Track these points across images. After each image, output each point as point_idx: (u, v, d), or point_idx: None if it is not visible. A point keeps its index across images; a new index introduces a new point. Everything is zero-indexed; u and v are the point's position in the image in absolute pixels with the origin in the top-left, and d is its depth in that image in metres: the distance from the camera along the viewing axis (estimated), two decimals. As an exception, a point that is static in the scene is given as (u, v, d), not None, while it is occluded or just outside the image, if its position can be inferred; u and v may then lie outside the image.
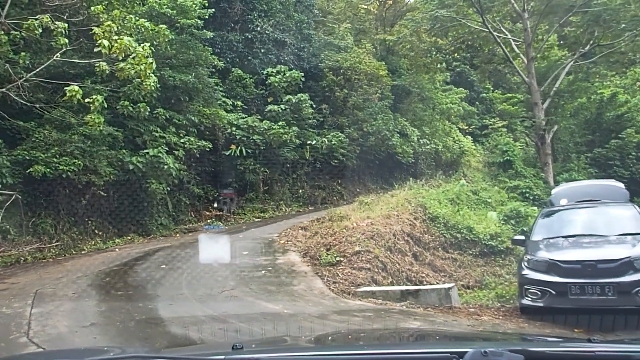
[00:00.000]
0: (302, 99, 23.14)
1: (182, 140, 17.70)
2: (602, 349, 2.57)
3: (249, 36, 24.64)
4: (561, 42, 33.32)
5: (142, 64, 12.95)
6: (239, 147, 20.44)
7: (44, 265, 11.33)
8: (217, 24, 23.96)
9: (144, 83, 13.19)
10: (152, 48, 13.38)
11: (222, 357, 2.57)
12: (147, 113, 16.35)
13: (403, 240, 11.01)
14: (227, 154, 20.34)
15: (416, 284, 9.87)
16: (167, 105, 18.00)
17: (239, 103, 22.59)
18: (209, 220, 18.78)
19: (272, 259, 11.31)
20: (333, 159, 24.45)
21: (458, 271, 12.67)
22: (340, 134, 24.41)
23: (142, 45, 12.87)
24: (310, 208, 22.57)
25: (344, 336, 4.35)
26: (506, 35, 28.32)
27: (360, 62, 27.14)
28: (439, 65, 34.90)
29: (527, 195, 24.91)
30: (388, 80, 29.16)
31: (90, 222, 14.44)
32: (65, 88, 11.70)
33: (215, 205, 15.11)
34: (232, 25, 24.69)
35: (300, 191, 23.42)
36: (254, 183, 21.41)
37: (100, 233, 14.52)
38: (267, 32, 25.03)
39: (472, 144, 40.13)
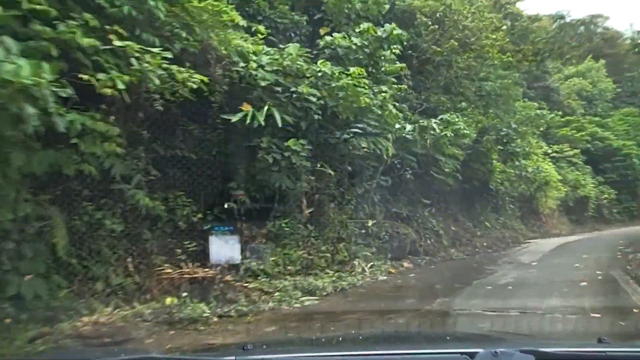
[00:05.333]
0: (393, 32, 11.17)
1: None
2: (612, 350, 2.53)
3: None
4: None
5: None
6: (267, 109, 8.38)
7: None
8: None
9: None
10: None
11: (232, 357, 2.48)
12: None
13: None
14: (234, 120, 8.32)
15: None
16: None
17: (261, 28, 10.44)
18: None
19: None
20: (434, 164, 12.48)
21: None
22: (456, 118, 12.35)
23: None
24: (405, 265, 10.47)
25: (355, 337, 4.39)
26: None
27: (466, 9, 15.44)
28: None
29: None
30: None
31: None
32: None
33: (226, 206, 7.90)
34: None
35: (370, 223, 11.26)
36: (285, 197, 9.26)
37: None
38: None
39: (555, 171, 28.76)
